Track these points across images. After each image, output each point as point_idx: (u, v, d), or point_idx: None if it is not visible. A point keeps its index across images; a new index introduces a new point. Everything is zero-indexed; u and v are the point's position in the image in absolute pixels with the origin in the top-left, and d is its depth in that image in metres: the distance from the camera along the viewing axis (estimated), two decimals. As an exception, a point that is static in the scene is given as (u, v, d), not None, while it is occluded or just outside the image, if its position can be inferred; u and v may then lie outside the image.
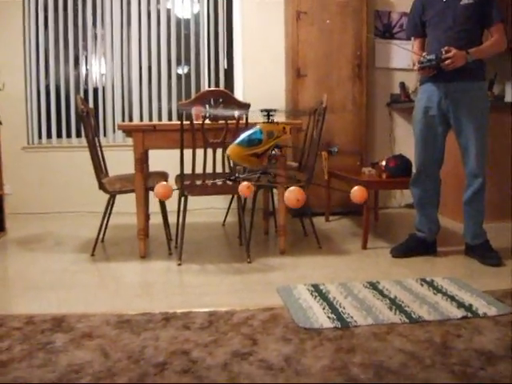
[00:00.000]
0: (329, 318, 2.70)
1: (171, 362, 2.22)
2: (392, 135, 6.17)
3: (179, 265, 3.74)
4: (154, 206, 4.51)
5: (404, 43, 6.07)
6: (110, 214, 4.25)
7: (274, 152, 2.06)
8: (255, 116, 2.30)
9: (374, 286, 3.23)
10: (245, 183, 2.07)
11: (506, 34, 3.72)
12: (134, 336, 2.50)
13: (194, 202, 4.36)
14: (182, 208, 3.88)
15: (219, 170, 3.86)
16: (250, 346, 2.37)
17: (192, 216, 4.34)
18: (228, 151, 1.94)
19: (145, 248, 3.94)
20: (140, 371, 2.14)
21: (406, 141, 5.97)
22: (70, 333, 2.53)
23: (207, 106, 3.68)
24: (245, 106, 3.65)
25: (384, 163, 4.53)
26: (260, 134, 1.96)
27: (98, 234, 4.16)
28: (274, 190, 4.59)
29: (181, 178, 3.78)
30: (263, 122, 2.04)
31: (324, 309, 2.82)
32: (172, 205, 4.27)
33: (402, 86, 6.04)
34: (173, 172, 4.21)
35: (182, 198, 3.86)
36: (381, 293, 3.09)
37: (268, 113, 2.07)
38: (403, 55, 6.07)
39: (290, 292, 3.11)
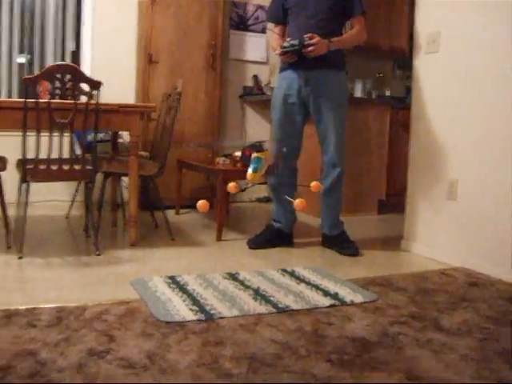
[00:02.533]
0: (191, 310, 2.50)
1: (15, 365, 1.91)
2: (243, 127, 6.08)
3: (20, 258, 3.35)
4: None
5: (258, 36, 6.04)
6: None
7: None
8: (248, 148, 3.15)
9: (233, 276, 3.07)
10: (232, 182, 2.69)
11: (366, 27, 3.72)
12: (-33, 337, 2.15)
13: (36, 193, 3.97)
14: (22, 196, 3.50)
15: (66, 155, 3.54)
16: (107, 343, 2.11)
17: (33, 209, 3.95)
18: (249, 177, 2.66)
19: (-22, 240, 3.52)
20: (-24, 377, 1.82)
21: (257, 133, 5.91)
22: None
23: (56, 82, 3.33)
24: (96, 84, 3.36)
25: (239, 153, 4.40)
26: (261, 161, 2.64)
27: None
28: (124, 179, 4.31)
29: (23, 162, 3.40)
30: (258, 152, 2.69)
31: (185, 301, 2.62)
32: (10, 196, 3.87)
33: (256, 78, 5.96)
34: (12, 157, 3.79)
35: (24, 185, 3.48)
36: (242, 283, 2.94)
37: (260, 145, 2.86)
38: (257, 48, 6.01)
39: (146, 285, 2.86)
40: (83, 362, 1.94)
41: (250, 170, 2.65)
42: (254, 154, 2.67)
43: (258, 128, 6.06)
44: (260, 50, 6.06)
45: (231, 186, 2.71)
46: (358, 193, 5.32)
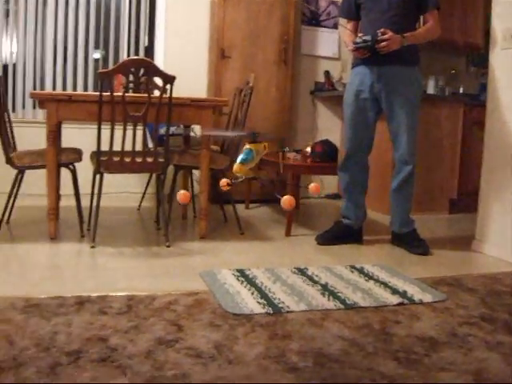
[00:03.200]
0: (259, 303, 2.50)
1: (87, 350, 1.96)
2: (315, 123, 6.04)
3: (92, 247, 3.44)
4: (64, 187, 4.18)
5: (330, 31, 5.99)
6: (17, 193, 3.89)
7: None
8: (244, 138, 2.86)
9: (302, 271, 3.06)
10: (224, 179, 2.44)
11: (439, 22, 3.63)
12: (43, 321, 2.21)
13: (108, 185, 4.04)
14: (96, 187, 3.59)
15: (139, 148, 3.61)
16: (176, 333, 2.14)
17: (106, 200, 4.04)
18: (234, 168, 2.39)
19: (55, 229, 3.62)
20: (51, 360, 1.87)
21: (328, 129, 5.88)
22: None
23: (130, 76, 3.39)
24: (169, 78, 3.40)
25: (309, 149, 4.39)
26: (252, 153, 2.41)
27: (3, 213, 3.80)
28: (195, 172, 4.36)
29: (97, 153, 3.49)
30: (251, 143, 2.44)
31: (253, 294, 2.62)
32: (84, 188, 3.97)
33: (327, 74, 5.91)
34: (87, 149, 3.89)
35: (98, 176, 3.56)
36: (310, 279, 2.93)
37: (254, 135, 2.46)
38: (329, 43, 5.97)
39: (215, 277, 2.89)
40: (152, 350, 1.98)
41: (237, 161, 2.43)
42: (246, 146, 2.46)
43: (329, 124, 6.01)
44: (332, 45, 6.01)
45: (223, 182, 2.45)
46: (429, 191, 5.21)
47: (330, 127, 5.98)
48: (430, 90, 5.75)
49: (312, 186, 2.59)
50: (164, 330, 2.16)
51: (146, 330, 2.16)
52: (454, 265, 3.46)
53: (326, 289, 2.76)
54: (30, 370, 1.80)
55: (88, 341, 2.04)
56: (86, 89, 5.54)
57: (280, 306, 2.48)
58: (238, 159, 2.41)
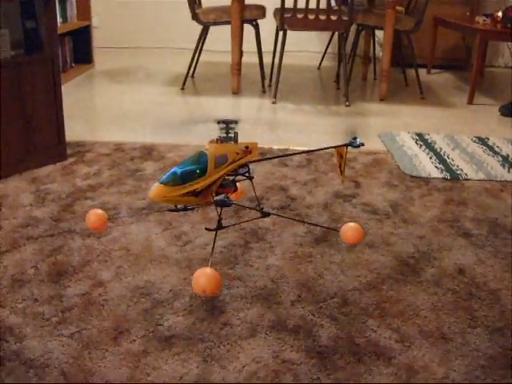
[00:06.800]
0: (437, 167, 2.49)
1: (269, 197, 2.09)
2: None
3: (273, 103, 3.55)
4: (247, 44, 4.26)
5: None
6: (201, 48, 4.03)
7: (224, 181, 1.49)
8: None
9: (483, 141, 2.97)
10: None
11: None
12: (228, 168, 2.36)
13: (290, 43, 4.08)
14: (279, 44, 3.63)
15: (323, 5, 3.56)
16: (353, 189, 2.21)
17: (287, 58, 4.07)
18: (150, 194, 1.38)
19: (238, 84, 3.75)
20: (235, 205, 2.01)
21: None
22: (160, 161, 2.43)
23: None
24: None
25: (500, 14, 4.10)
26: (203, 163, 1.41)
27: (189, 68, 3.98)
28: (377, 33, 4.25)
29: (281, 10, 3.49)
30: (212, 142, 1.47)
31: (431, 158, 2.61)
32: (266, 45, 4.03)
33: None
34: (270, 6, 3.91)
35: (281, 33, 3.59)
36: (491, 149, 2.84)
37: (227, 126, 1.48)
38: None
39: (393, 138, 2.89)
40: (329, 202, 2.07)
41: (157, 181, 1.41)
42: (206, 146, 1.47)
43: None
44: None
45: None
46: None
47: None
48: None
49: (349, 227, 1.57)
50: (341, 185, 2.24)
51: (325, 183, 2.25)
52: None
53: (506, 160, 2.67)
54: (215, 211, 1.95)
55: (269, 189, 2.17)
56: None
57: (458, 172, 2.45)
58: (165, 175, 1.41)
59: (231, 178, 1.53)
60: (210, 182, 1.43)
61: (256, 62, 3.98)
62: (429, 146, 2.81)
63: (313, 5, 3.44)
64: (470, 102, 3.91)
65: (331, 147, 1.62)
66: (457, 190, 2.28)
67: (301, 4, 3.42)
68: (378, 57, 4.71)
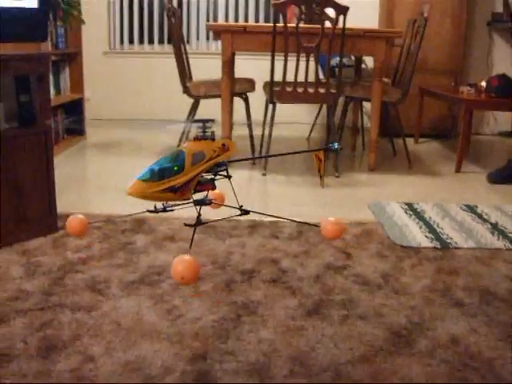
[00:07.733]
0: (427, 237, 2.51)
1: (259, 270, 2.09)
2: (490, 57, 5.74)
3: (264, 175, 3.59)
4: (237, 114, 4.34)
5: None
6: (193, 120, 4.10)
7: (202, 179, 1.53)
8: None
9: (472, 209, 3.00)
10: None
11: None
12: (219, 242, 2.38)
13: (278, 114, 4.14)
14: (269, 116, 3.69)
15: (311, 79, 3.65)
16: (344, 260, 2.22)
17: (277, 129, 4.14)
18: (128, 190, 1.41)
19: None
20: (226, 277, 2.02)
21: (505, 63, 5.56)
22: (151, 234, 2.43)
23: (302, 7, 3.41)
24: (342, 9, 3.38)
25: (484, 83, 4.21)
26: (180, 160, 1.44)
27: (180, 140, 4.04)
28: (365, 104, 4.34)
29: (270, 83, 3.58)
30: (190, 141, 1.56)
31: (421, 228, 2.63)
32: (256, 115, 4.10)
33: (506, 4, 5.55)
34: (259, 79, 4.00)
35: (270, 106, 3.66)
36: (480, 217, 2.87)
37: (204, 125, 1.54)
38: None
39: (383, 208, 2.92)
40: (321, 274, 2.07)
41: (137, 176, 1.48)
42: (183, 144, 1.59)
43: (506, 58, 5.69)
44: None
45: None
46: None
47: (508, 61, 5.65)
48: None
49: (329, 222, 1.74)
50: (333, 257, 2.24)
51: (316, 255, 2.26)
52: None
53: (495, 228, 2.70)
54: (207, 284, 1.96)
55: (260, 262, 2.17)
56: (257, 20, 5.64)
57: (448, 241, 2.47)
58: (142, 171, 1.47)
59: (209, 177, 1.57)
60: (188, 178, 1.46)
61: (246, 134, 4.05)
62: (418, 215, 2.83)
63: (301, 78, 3.51)
64: (458, 170, 3.96)
65: (308, 151, 1.67)
66: (447, 258, 2.29)
67: (290, 77, 3.50)
68: (366, 127, 4.79)
